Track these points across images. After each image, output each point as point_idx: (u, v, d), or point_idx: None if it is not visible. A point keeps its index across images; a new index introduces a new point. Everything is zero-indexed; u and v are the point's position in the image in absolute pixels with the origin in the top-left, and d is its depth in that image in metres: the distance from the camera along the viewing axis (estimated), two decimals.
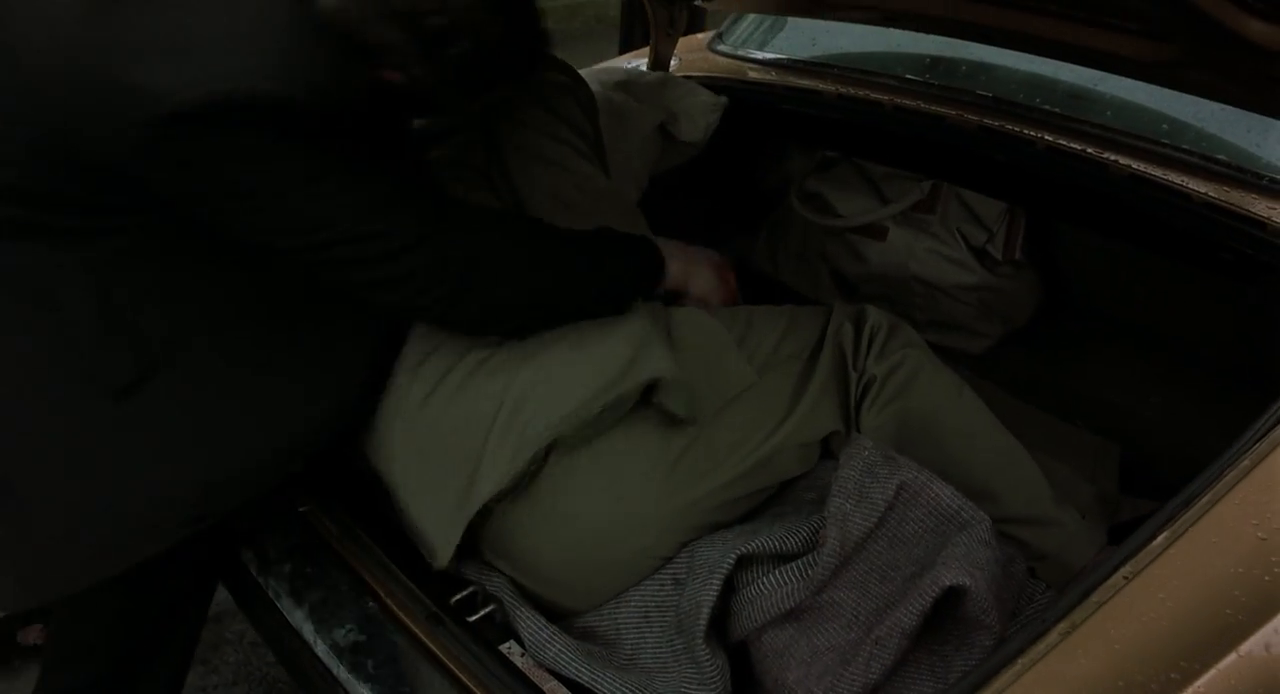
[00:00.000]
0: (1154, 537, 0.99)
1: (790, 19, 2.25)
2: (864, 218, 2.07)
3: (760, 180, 2.41)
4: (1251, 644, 0.88)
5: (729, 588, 1.21)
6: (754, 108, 2.11)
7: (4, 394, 1.12)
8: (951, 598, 1.12)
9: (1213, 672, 0.86)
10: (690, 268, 1.42)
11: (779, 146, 2.35)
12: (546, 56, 1.35)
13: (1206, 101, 1.56)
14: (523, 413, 1.20)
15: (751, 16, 2.32)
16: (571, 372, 1.21)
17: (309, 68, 1.01)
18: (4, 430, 1.12)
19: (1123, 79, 1.62)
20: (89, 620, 1.39)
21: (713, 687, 1.15)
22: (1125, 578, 0.96)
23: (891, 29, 1.92)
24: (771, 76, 2.12)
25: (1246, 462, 1.04)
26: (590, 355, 1.23)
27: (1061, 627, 0.93)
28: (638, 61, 2.30)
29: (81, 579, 1.21)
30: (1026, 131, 1.71)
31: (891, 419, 1.34)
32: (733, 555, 1.20)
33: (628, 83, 1.94)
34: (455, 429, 1.23)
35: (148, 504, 1.17)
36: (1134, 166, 1.59)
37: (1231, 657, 0.87)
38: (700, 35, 2.46)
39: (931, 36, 1.91)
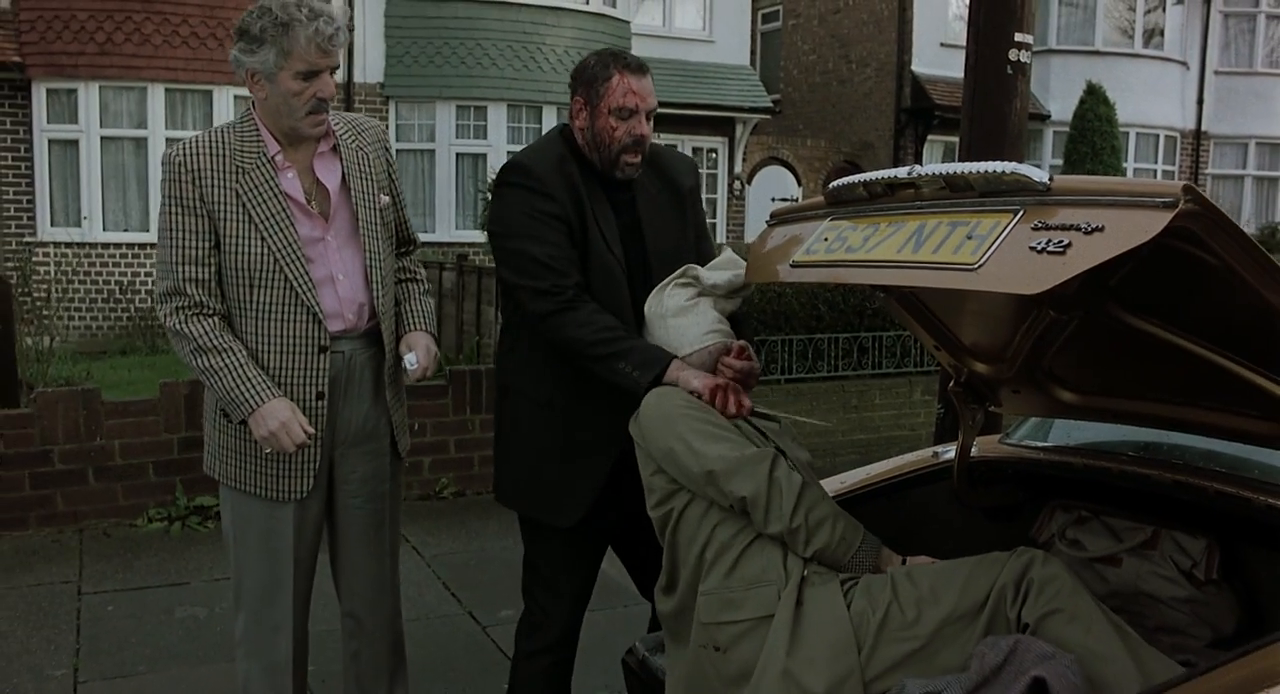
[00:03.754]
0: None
1: (1054, 422, 3.34)
2: (1105, 552, 3.01)
3: (1035, 537, 3.38)
4: None
5: None
6: (1030, 478, 3.16)
7: None
8: (1039, 687, 2.04)
9: None
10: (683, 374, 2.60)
11: (1050, 510, 3.34)
12: None
13: None
14: None
15: (1031, 419, 3.42)
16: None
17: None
18: None
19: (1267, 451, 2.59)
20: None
21: None
22: None
23: (1120, 424, 2.98)
24: (1041, 457, 3.19)
25: None
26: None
27: None
28: (948, 449, 3.41)
29: None
30: (1202, 483, 2.67)
31: None
32: (922, 689, 2.20)
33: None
34: None
35: None
36: (1270, 501, 2.51)
37: None
38: (993, 436, 3.57)
39: (1142, 429, 2.95)
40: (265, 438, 2.61)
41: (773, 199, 16.05)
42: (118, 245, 12.41)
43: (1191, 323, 2.37)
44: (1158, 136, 20.16)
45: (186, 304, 2.66)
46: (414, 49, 13.96)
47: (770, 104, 17.81)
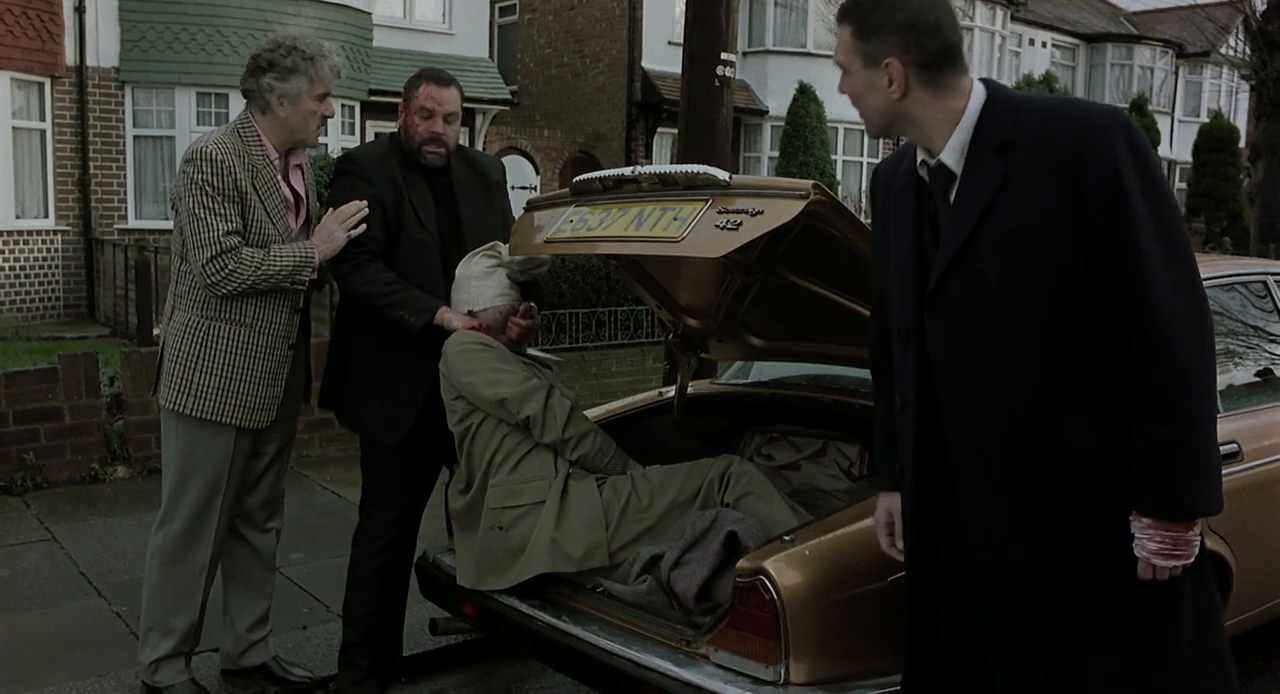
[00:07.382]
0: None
1: (754, 363, 4.25)
2: (788, 460, 3.92)
3: (739, 454, 4.27)
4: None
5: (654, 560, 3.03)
6: (733, 406, 4.05)
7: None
8: (733, 539, 2.90)
9: None
10: (446, 316, 3.32)
11: (750, 433, 4.24)
12: None
13: None
14: None
15: (736, 363, 4.32)
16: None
17: None
18: None
19: None
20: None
21: (652, 588, 2.95)
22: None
23: (798, 362, 3.90)
24: (741, 390, 4.08)
25: None
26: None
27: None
28: (670, 389, 4.26)
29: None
30: (854, 401, 3.61)
31: None
32: (651, 552, 3.02)
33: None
34: None
35: None
36: None
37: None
38: (707, 379, 4.46)
39: (814, 365, 3.88)
40: (337, 242, 3.35)
41: (512, 187, 16.72)
42: None
43: (837, 281, 3.28)
44: (862, 132, 22.14)
45: (234, 247, 3.21)
46: (150, 34, 13.81)
47: (509, 96, 18.52)
